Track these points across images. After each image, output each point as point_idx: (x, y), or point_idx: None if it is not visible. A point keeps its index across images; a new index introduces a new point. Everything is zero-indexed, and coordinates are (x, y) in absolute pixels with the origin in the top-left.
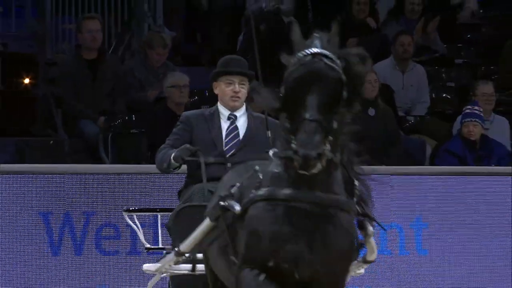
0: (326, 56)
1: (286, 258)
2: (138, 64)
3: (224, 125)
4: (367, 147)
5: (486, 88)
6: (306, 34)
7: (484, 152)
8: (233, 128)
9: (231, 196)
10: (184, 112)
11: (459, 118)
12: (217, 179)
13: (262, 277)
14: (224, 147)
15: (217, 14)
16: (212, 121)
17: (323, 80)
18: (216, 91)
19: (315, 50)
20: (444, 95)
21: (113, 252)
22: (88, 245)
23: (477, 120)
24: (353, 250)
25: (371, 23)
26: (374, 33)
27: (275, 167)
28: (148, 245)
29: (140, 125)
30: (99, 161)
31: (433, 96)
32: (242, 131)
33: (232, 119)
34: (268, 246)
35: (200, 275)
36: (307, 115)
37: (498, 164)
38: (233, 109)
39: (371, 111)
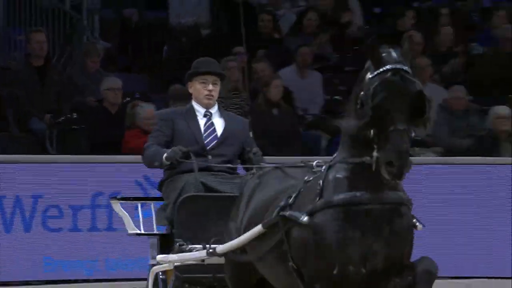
0: (405, 71)
1: (357, 260)
2: (77, 71)
3: (201, 121)
4: (271, 142)
5: None
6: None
7: None
8: (210, 124)
9: (289, 206)
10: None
11: None
12: (200, 171)
13: None
14: (204, 141)
15: (146, 28)
16: (189, 118)
17: (407, 93)
18: (190, 90)
19: (396, 66)
20: (336, 97)
21: (57, 230)
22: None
23: None
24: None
25: (276, 36)
26: (278, 45)
27: (335, 173)
28: (132, 231)
29: (81, 122)
30: (46, 152)
31: (327, 97)
32: (218, 127)
33: (208, 116)
34: (342, 251)
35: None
36: (399, 126)
37: None
38: (207, 106)
39: (275, 111)
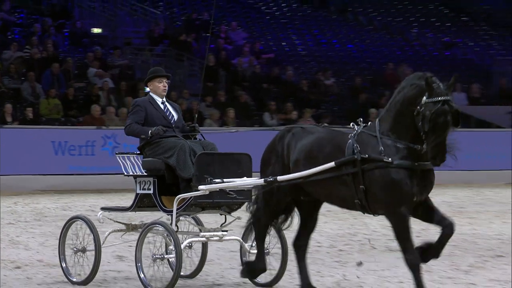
0: (450, 101)
1: (418, 194)
2: None
3: (161, 106)
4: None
5: None
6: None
7: None
8: (167, 109)
9: (358, 151)
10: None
11: None
12: (170, 137)
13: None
14: (169, 119)
15: None
16: (154, 104)
17: (455, 118)
18: (150, 88)
19: (444, 98)
20: None
21: None
22: None
23: None
24: None
25: None
26: None
27: (393, 142)
28: (125, 173)
29: None
30: None
31: None
32: (171, 110)
33: (164, 103)
34: (413, 191)
35: None
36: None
37: None
38: (162, 97)
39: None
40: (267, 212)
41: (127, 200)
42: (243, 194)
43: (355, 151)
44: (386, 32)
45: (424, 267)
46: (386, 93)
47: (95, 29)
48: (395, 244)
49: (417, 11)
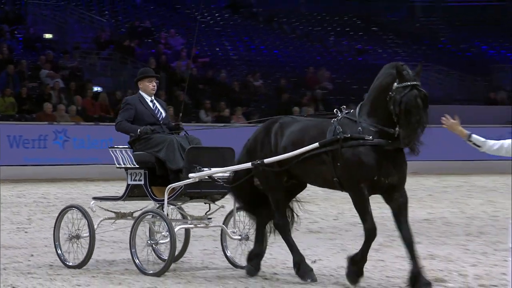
0: (418, 85)
1: (383, 175)
2: None
3: (150, 104)
4: None
5: None
6: None
7: None
8: (155, 107)
9: (340, 132)
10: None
11: None
12: (157, 133)
13: (366, 192)
14: (157, 116)
15: None
16: (143, 102)
17: (422, 100)
18: (140, 86)
19: (413, 83)
20: None
21: None
22: None
23: None
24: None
25: None
26: None
27: (369, 126)
28: (117, 166)
29: None
30: None
31: None
32: (159, 108)
33: (153, 101)
34: (374, 170)
35: None
36: (414, 119)
37: None
38: (151, 96)
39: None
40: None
41: (77, 188)
42: (226, 186)
43: (338, 132)
44: (307, 40)
45: (341, 246)
46: (307, 93)
47: (47, 34)
48: (315, 226)
49: (334, 21)
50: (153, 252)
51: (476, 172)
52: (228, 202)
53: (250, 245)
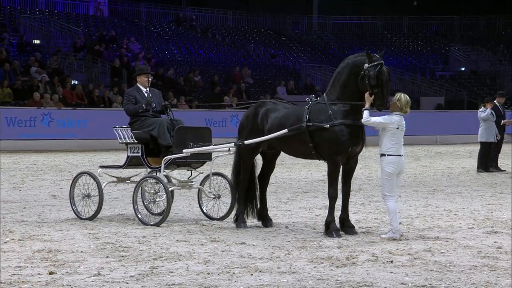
0: (383, 64)
1: (352, 146)
2: None
3: (145, 94)
4: None
5: None
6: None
7: None
8: (149, 95)
9: (308, 120)
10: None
11: None
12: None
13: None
14: (154, 104)
15: None
16: (140, 92)
17: (389, 75)
18: (138, 80)
19: (380, 61)
20: None
21: None
22: None
23: None
24: None
25: None
26: None
27: (340, 106)
28: (120, 141)
29: None
30: None
31: None
32: (153, 96)
33: (148, 92)
34: (348, 144)
35: None
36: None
37: None
38: (146, 87)
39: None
40: (244, 167)
41: (59, 158)
42: (204, 156)
43: (304, 120)
44: (233, 46)
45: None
46: (234, 86)
47: (35, 40)
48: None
49: (253, 33)
50: (145, 209)
51: None
52: (204, 169)
53: (221, 203)
